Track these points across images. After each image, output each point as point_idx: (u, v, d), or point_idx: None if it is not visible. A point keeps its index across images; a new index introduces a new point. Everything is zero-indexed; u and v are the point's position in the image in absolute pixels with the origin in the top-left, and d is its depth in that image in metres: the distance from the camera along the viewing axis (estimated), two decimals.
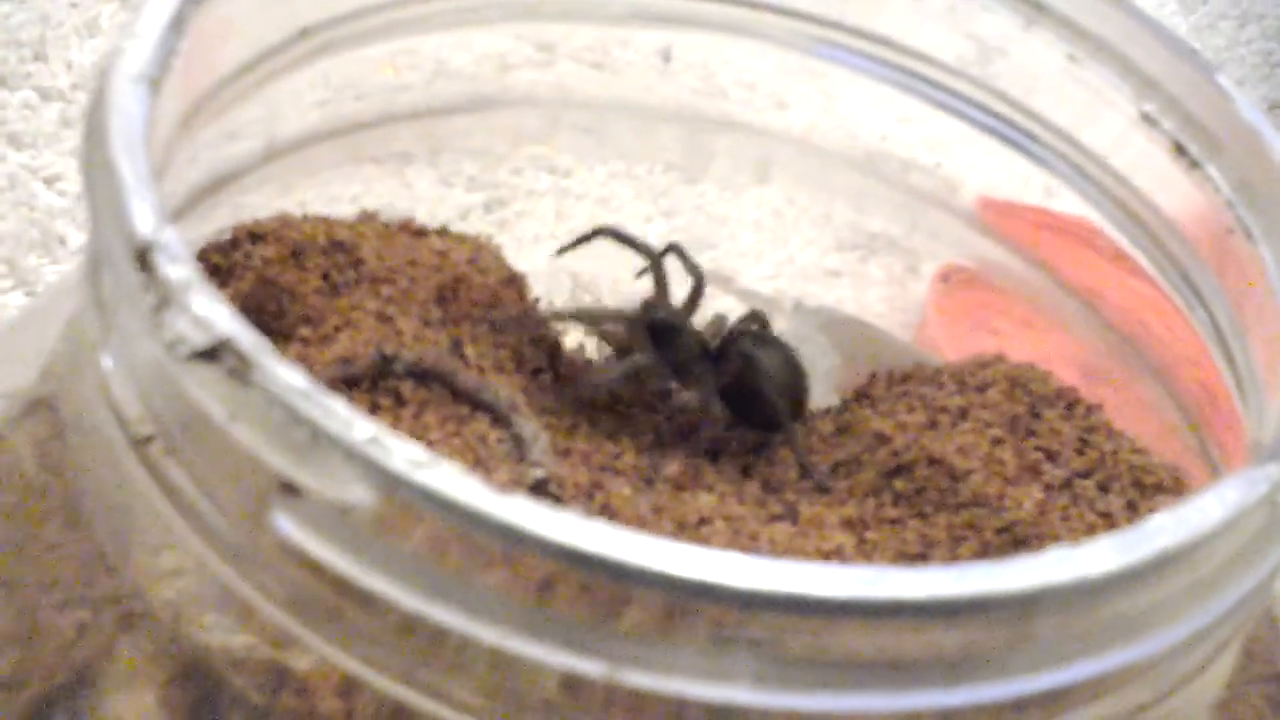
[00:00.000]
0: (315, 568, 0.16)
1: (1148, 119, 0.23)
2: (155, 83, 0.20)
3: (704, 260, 0.39)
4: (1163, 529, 0.16)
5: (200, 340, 0.16)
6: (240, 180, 0.30)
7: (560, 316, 0.30)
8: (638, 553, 0.15)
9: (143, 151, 0.18)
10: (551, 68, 0.33)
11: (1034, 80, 0.25)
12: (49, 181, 0.48)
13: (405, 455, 0.16)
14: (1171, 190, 0.24)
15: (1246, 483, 0.17)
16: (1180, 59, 0.23)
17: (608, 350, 0.30)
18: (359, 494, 0.16)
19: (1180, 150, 0.23)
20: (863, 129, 0.31)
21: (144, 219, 0.17)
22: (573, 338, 0.33)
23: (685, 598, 0.15)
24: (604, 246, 0.37)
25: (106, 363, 0.18)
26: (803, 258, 0.39)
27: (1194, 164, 0.23)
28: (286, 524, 0.16)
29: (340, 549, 0.16)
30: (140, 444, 0.18)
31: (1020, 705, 0.17)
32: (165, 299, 0.17)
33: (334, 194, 0.34)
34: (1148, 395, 0.26)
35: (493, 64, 0.33)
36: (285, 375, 0.16)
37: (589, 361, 0.30)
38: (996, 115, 0.26)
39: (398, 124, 0.33)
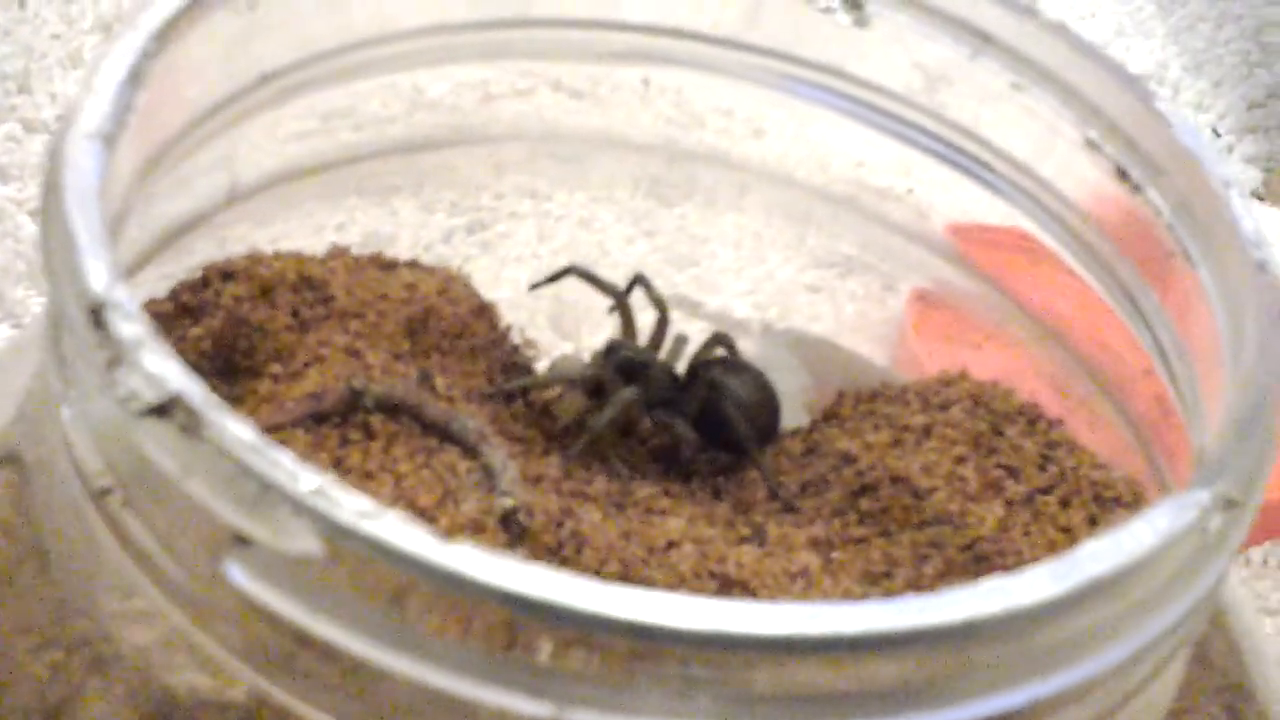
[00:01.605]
0: (271, 618, 0.17)
1: (1092, 144, 0.24)
2: (110, 138, 0.20)
3: (685, 278, 0.40)
4: (1095, 556, 0.17)
5: (152, 396, 0.17)
6: (221, 215, 0.30)
7: (533, 384, 0.31)
8: (580, 597, 0.16)
9: (97, 209, 0.19)
10: (532, 98, 0.34)
11: (983, 108, 0.26)
12: (34, 214, 0.49)
13: (352, 506, 0.16)
14: (1117, 214, 0.24)
15: (1177, 509, 0.17)
16: (1121, 86, 0.23)
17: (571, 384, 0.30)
18: (307, 544, 0.16)
19: (1123, 174, 0.23)
20: (835, 158, 0.32)
21: (97, 277, 0.18)
22: (545, 364, 0.33)
23: (628, 640, 0.16)
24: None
25: (66, 415, 0.19)
26: (782, 274, 0.39)
27: (1136, 188, 0.23)
28: (239, 574, 0.17)
29: (292, 598, 0.16)
30: (99, 496, 0.18)
31: None
32: (118, 356, 0.17)
33: (319, 223, 0.34)
34: (1106, 411, 0.27)
35: (474, 96, 0.33)
36: (234, 430, 0.17)
37: (561, 396, 0.31)
38: (950, 144, 0.27)
39: (380, 158, 0.33)
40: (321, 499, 0.16)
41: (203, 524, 0.17)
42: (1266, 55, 0.61)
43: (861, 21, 0.25)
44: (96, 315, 0.17)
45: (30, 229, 0.48)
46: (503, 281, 0.39)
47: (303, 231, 0.33)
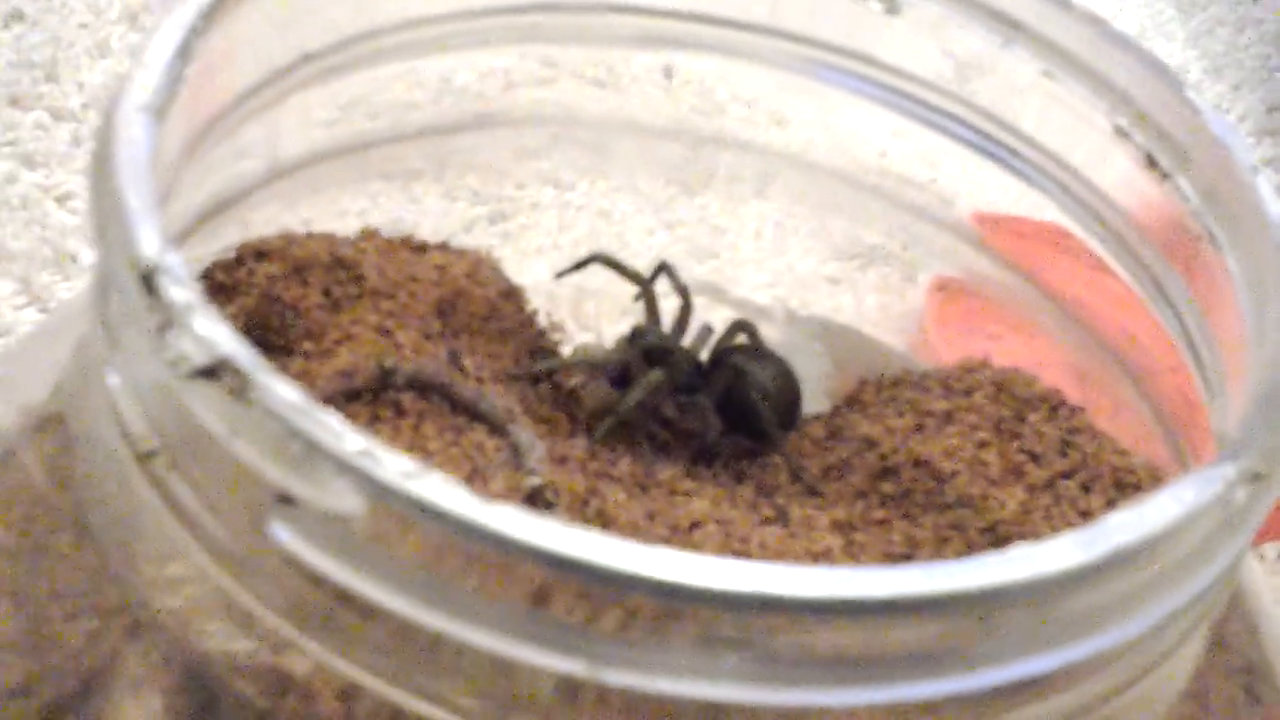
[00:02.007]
0: (313, 576, 0.17)
1: (1121, 132, 0.24)
2: (160, 111, 0.20)
3: (705, 269, 0.40)
4: (1121, 527, 0.17)
5: (201, 359, 0.17)
6: (249, 198, 0.31)
7: (560, 366, 0.31)
8: (617, 557, 0.16)
9: (148, 178, 0.19)
10: (555, 85, 0.34)
11: (1013, 96, 0.26)
12: (61, 200, 0.49)
13: (395, 466, 0.16)
14: (1145, 201, 0.24)
15: (1202, 482, 0.18)
16: (1151, 74, 0.24)
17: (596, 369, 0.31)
18: (351, 503, 0.16)
19: (1152, 162, 0.24)
20: (859, 145, 0.32)
21: (149, 243, 0.18)
22: (570, 350, 0.33)
23: (663, 600, 0.16)
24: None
25: (113, 380, 0.19)
26: (802, 266, 0.39)
27: (1165, 175, 0.23)
28: (284, 533, 0.17)
29: (335, 557, 0.17)
30: (145, 458, 0.19)
31: (992, 695, 0.18)
32: (168, 320, 0.18)
33: (342, 208, 0.34)
34: (1131, 401, 0.27)
35: (498, 82, 0.34)
36: (282, 392, 0.17)
37: (586, 383, 0.31)
38: (979, 131, 0.27)
39: (405, 142, 0.34)
40: (366, 459, 0.16)
41: (248, 484, 0.17)
42: None
43: (893, 9, 0.26)
44: (148, 280, 0.18)
45: (57, 216, 0.49)
46: (524, 271, 0.40)
47: (327, 217, 0.33)
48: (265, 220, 0.32)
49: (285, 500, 0.17)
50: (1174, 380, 0.26)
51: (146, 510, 0.19)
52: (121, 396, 0.19)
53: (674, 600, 0.16)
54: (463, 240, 0.40)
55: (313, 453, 0.17)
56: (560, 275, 0.33)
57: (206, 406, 0.17)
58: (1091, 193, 0.25)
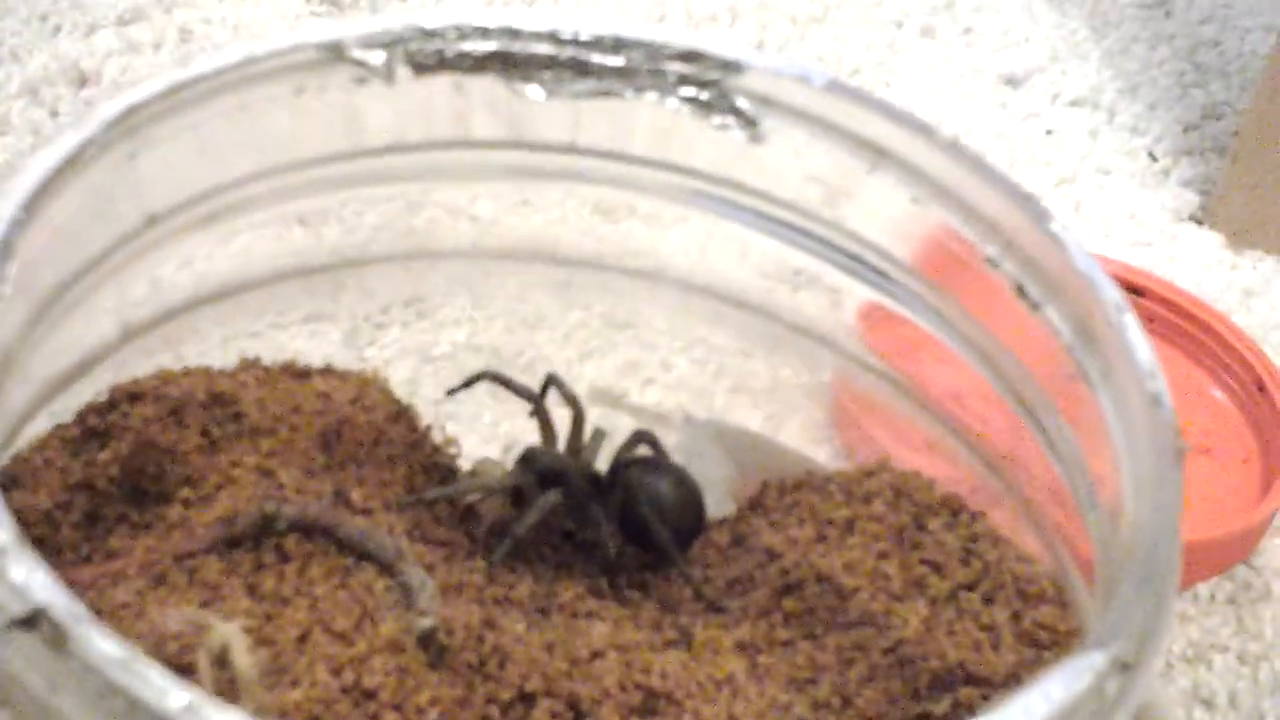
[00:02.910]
0: None
1: (991, 262, 0.23)
2: None
3: (623, 339, 0.40)
4: None
5: (17, 609, 0.16)
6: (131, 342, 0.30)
7: (455, 493, 0.30)
8: None
9: None
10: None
11: (884, 222, 0.25)
12: None
13: None
14: (1022, 333, 0.24)
15: (1071, 675, 0.17)
16: (1016, 204, 0.23)
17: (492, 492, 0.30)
18: None
19: (1022, 292, 0.23)
20: (753, 253, 0.32)
21: None
22: (466, 460, 0.33)
23: None
24: (524, 317, 0.38)
25: None
26: (715, 339, 0.39)
27: (1035, 305, 0.23)
28: None
29: None
30: None
31: None
32: None
33: (258, 308, 0.34)
34: (1012, 515, 0.26)
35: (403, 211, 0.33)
36: (101, 644, 0.16)
37: (483, 500, 0.30)
38: (853, 256, 0.26)
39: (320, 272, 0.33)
40: (191, 717, 0.16)
41: None
42: (1201, 75, 0.61)
43: (756, 138, 0.25)
44: None
45: None
46: (440, 341, 0.39)
47: (244, 317, 0.33)
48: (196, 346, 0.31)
49: None
50: (1053, 502, 0.25)
51: None
52: None
53: None
54: (379, 321, 0.40)
55: (136, 710, 0.16)
56: (451, 393, 0.32)
57: (24, 658, 0.16)
58: (966, 320, 0.25)
